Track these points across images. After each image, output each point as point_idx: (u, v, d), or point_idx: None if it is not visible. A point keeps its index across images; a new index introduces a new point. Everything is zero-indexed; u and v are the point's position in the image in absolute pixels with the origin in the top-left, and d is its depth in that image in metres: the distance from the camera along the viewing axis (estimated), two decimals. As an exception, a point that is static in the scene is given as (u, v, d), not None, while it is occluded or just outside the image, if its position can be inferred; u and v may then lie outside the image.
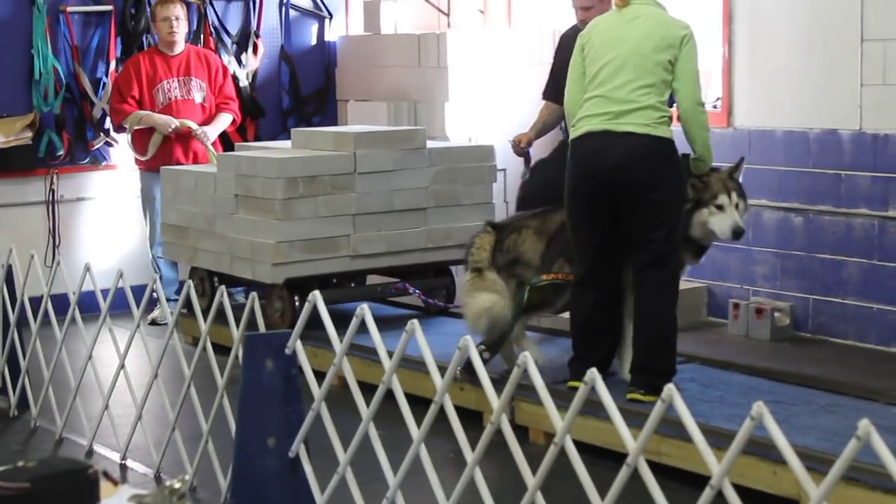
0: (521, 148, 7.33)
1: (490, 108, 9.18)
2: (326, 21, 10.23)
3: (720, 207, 5.94)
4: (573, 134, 5.97)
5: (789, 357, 7.40)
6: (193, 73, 8.79)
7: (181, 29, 8.81)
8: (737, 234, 5.96)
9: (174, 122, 8.65)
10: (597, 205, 5.88)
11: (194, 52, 8.96)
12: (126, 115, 8.70)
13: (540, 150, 7.49)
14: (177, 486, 3.26)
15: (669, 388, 3.23)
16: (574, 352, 6.13)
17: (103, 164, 9.35)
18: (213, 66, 8.91)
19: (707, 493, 3.16)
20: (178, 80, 8.75)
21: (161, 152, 8.69)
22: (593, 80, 5.90)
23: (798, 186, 7.90)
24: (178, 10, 8.78)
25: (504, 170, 9.08)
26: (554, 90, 7.10)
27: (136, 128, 8.68)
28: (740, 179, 6.08)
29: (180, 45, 8.86)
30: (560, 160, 6.68)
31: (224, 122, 8.93)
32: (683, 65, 5.81)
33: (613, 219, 5.87)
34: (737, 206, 5.97)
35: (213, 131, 8.79)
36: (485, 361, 6.30)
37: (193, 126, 8.68)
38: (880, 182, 7.51)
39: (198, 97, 8.79)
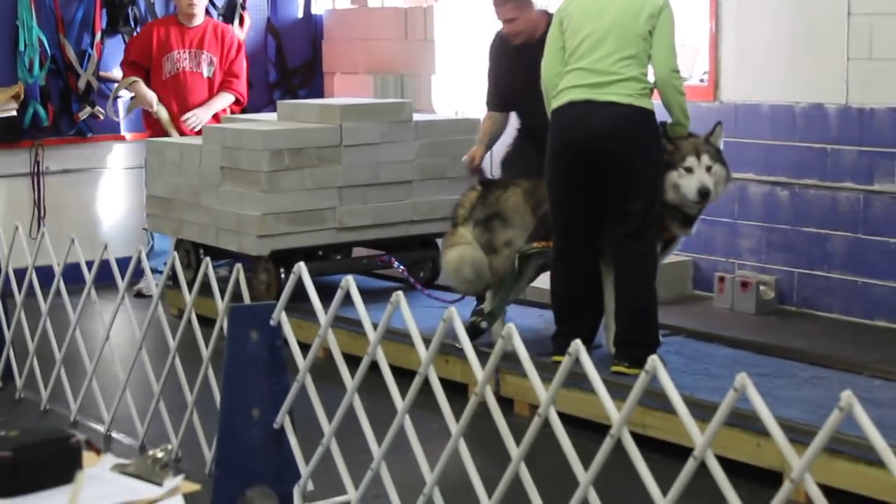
0: (476, 165, 6.95)
1: (476, 81, 9.15)
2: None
3: (689, 169, 5.91)
4: (554, 104, 5.94)
5: (774, 330, 7.41)
6: (206, 46, 8.75)
7: (201, 2, 8.77)
8: (702, 193, 5.89)
9: (155, 104, 8.62)
10: (576, 175, 5.88)
11: (212, 26, 8.91)
12: (125, 72, 8.75)
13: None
14: (160, 455, 3.25)
15: (653, 360, 3.23)
16: (557, 326, 6.14)
17: (89, 135, 9.31)
18: (227, 41, 8.86)
19: (690, 464, 3.17)
20: (190, 52, 8.72)
21: (157, 123, 8.68)
22: (574, 52, 5.89)
23: (784, 160, 7.89)
24: None
25: (490, 143, 9.06)
26: (496, 99, 6.96)
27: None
28: (720, 145, 6.06)
29: (199, 18, 8.81)
30: (523, 145, 6.72)
31: (223, 102, 8.84)
32: (659, 32, 5.83)
33: (592, 190, 5.87)
34: (708, 168, 5.93)
35: (205, 113, 8.70)
36: (484, 330, 6.33)
37: (163, 117, 8.69)
38: (866, 156, 7.51)
39: (206, 71, 8.75)
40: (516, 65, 6.67)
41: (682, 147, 5.95)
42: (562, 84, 5.92)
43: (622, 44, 5.81)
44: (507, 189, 6.45)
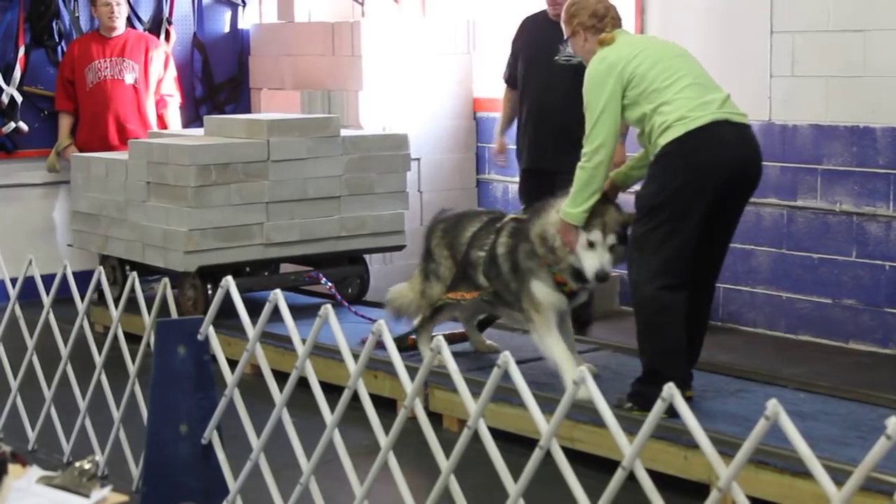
0: (502, 157, 7.80)
1: (404, 97, 9.18)
2: (240, 8, 10.17)
3: (591, 244, 5.61)
4: (685, 127, 5.36)
5: (700, 345, 7.46)
6: (127, 54, 8.93)
7: (122, 14, 8.97)
8: (599, 278, 5.64)
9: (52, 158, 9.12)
10: (714, 200, 5.41)
11: (134, 35, 9.11)
12: (57, 102, 9.08)
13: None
14: (87, 466, 3.22)
15: (582, 371, 3.25)
16: (658, 369, 5.42)
17: (13, 151, 9.23)
18: (150, 49, 9.03)
19: (619, 475, 3.19)
20: (111, 61, 8.85)
21: (94, 136, 8.81)
22: (661, 83, 5.46)
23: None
24: None
25: (418, 159, 9.10)
26: (510, 74, 7.62)
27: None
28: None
29: (119, 30, 8.99)
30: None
31: (176, 120, 9.18)
32: None
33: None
34: (611, 248, 5.62)
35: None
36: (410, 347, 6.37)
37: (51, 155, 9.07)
38: (789, 172, 7.62)
39: (128, 78, 8.90)
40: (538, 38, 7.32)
41: (593, 213, 5.60)
42: (679, 110, 5.40)
43: (699, 71, 5.61)
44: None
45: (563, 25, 5.89)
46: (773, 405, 2.84)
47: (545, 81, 7.39)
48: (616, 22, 5.76)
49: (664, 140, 5.40)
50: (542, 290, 5.80)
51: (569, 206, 5.60)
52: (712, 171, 5.38)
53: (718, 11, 7.92)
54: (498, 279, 5.97)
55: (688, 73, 5.54)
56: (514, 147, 7.81)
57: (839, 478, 2.86)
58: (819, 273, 7.63)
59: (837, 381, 6.30)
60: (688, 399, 4.83)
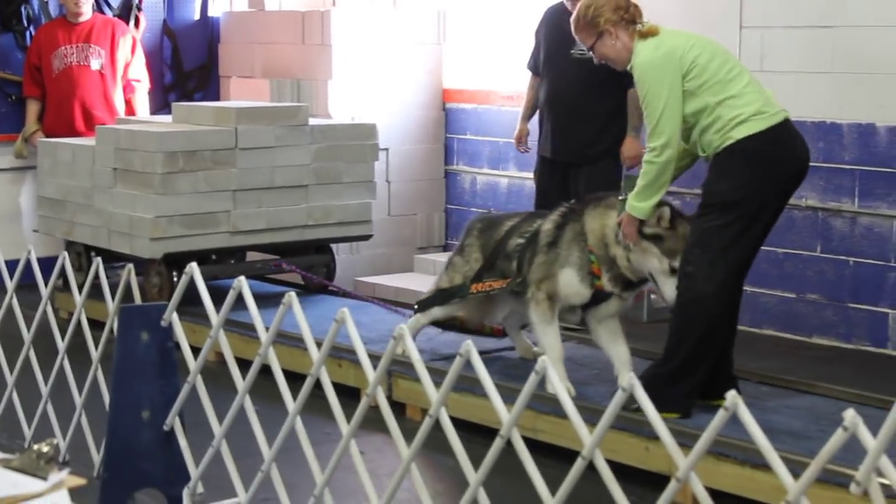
0: (524, 144, 7.78)
1: (373, 87, 9.18)
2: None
3: (674, 271, 5.43)
4: (766, 122, 5.29)
5: (665, 338, 7.47)
6: (93, 40, 8.88)
7: (87, 0, 8.89)
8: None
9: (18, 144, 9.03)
10: (783, 198, 5.40)
11: (101, 20, 9.05)
12: (24, 88, 9.04)
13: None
14: (45, 449, 3.21)
15: (544, 361, 3.25)
16: (687, 373, 5.36)
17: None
18: (116, 35, 8.97)
19: (578, 464, 3.20)
20: (77, 47, 8.83)
21: (61, 122, 8.74)
22: (724, 76, 5.35)
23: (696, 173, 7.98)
24: None
25: (387, 149, 9.10)
26: (534, 62, 7.66)
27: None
28: None
29: (86, 16, 8.93)
30: None
31: (144, 106, 9.12)
32: None
33: None
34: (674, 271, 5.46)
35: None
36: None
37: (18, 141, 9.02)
38: (756, 167, 7.63)
39: (94, 64, 8.86)
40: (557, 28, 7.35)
41: (679, 238, 5.43)
42: (750, 106, 5.30)
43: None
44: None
45: (580, 35, 5.65)
46: (731, 396, 2.84)
47: (560, 74, 7.44)
48: (639, 10, 5.54)
49: (739, 134, 5.25)
50: (568, 280, 5.66)
51: (636, 200, 5.39)
52: (788, 170, 5.30)
53: (688, 6, 7.93)
54: (529, 261, 5.80)
55: (743, 69, 5.44)
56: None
57: (798, 470, 2.87)
58: (784, 268, 7.67)
59: (800, 375, 6.34)
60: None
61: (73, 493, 3.21)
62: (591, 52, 5.67)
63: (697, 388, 5.35)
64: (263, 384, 4.34)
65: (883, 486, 2.86)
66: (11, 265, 5.53)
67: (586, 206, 5.75)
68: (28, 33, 9.29)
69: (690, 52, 5.34)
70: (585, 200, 5.86)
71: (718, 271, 5.26)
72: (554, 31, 7.48)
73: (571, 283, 5.66)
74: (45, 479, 3.17)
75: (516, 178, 9.09)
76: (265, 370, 4.19)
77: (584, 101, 7.27)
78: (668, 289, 5.41)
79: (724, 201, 5.27)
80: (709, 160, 5.42)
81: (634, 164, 7.17)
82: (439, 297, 6.22)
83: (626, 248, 5.50)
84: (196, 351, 4.48)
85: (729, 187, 5.27)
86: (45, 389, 5.34)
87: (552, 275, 5.70)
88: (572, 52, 7.24)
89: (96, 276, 5.04)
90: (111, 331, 4.84)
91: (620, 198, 5.52)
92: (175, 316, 4.42)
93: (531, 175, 7.97)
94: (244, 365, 4.41)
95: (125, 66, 9.01)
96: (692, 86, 5.31)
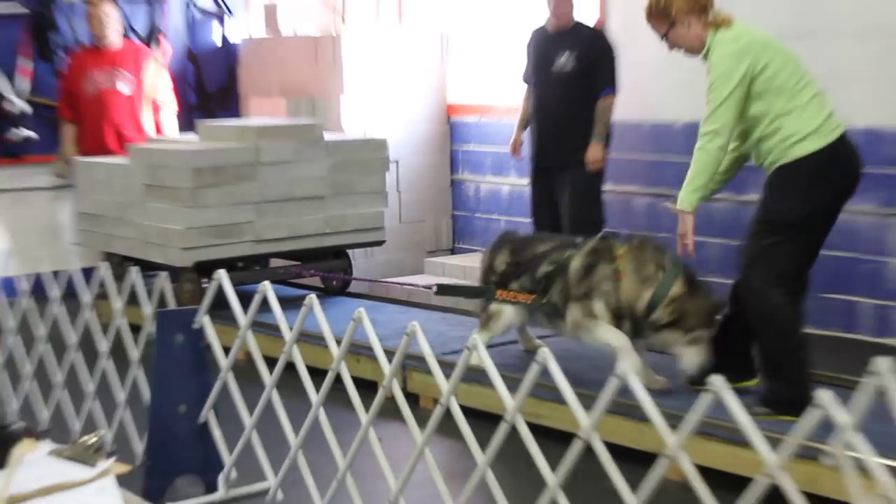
0: (518, 152, 7.92)
1: (383, 103, 9.25)
2: (227, 19, 10.22)
3: (698, 340, 5.36)
4: (820, 143, 5.04)
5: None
6: (122, 65, 8.71)
7: (112, 25, 8.72)
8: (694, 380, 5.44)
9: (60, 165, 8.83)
10: (838, 209, 5.19)
11: (129, 46, 8.91)
12: (60, 112, 8.87)
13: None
14: (93, 440, 3.30)
15: (544, 352, 3.32)
16: (801, 379, 5.14)
17: (21, 157, 9.28)
18: (143, 60, 8.80)
19: (577, 445, 3.27)
20: (106, 72, 8.68)
21: (95, 143, 8.66)
22: (794, 84, 5.09)
23: (665, 174, 8.05)
24: (108, 8, 8.70)
25: (397, 161, 9.17)
26: (526, 76, 7.85)
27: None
28: None
29: (112, 39, 8.73)
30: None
31: (172, 126, 8.93)
32: None
33: None
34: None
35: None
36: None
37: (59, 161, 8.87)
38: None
39: (123, 88, 8.70)
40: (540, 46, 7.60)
41: (697, 313, 5.36)
42: (814, 119, 5.07)
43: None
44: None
45: (652, 24, 5.35)
46: (715, 381, 2.92)
47: (543, 88, 7.68)
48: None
49: (799, 152, 5.03)
50: (602, 310, 5.53)
51: (685, 192, 5.20)
52: (844, 184, 5.11)
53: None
54: (560, 287, 5.67)
55: (812, 80, 5.16)
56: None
57: (776, 448, 2.94)
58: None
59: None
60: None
61: (119, 479, 3.30)
62: (664, 40, 5.38)
63: (811, 378, 5.13)
64: (289, 379, 4.43)
65: (853, 458, 2.93)
66: (55, 277, 5.60)
67: (622, 246, 5.58)
68: (62, 60, 9.30)
69: (767, 51, 5.09)
70: (622, 242, 5.65)
71: (786, 282, 5.08)
72: (536, 50, 7.73)
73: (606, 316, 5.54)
74: (93, 466, 3.26)
75: (517, 186, 9.15)
76: (290, 366, 4.28)
77: (563, 111, 7.53)
78: (689, 358, 5.36)
79: (784, 221, 5.07)
80: (766, 171, 5.21)
81: (598, 167, 7.47)
82: (464, 290, 6.34)
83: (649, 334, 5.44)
84: (226, 350, 4.57)
85: (788, 207, 5.07)
86: (90, 388, 5.41)
87: (588, 305, 5.56)
88: (552, 68, 7.45)
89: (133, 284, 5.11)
90: (149, 333, 4.92)
91: None
92: (206, 319, 4.51)
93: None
94: (270, 362, 4.49)
95: (152, 89, 8.98)
96: (760, 88, 5.07)
